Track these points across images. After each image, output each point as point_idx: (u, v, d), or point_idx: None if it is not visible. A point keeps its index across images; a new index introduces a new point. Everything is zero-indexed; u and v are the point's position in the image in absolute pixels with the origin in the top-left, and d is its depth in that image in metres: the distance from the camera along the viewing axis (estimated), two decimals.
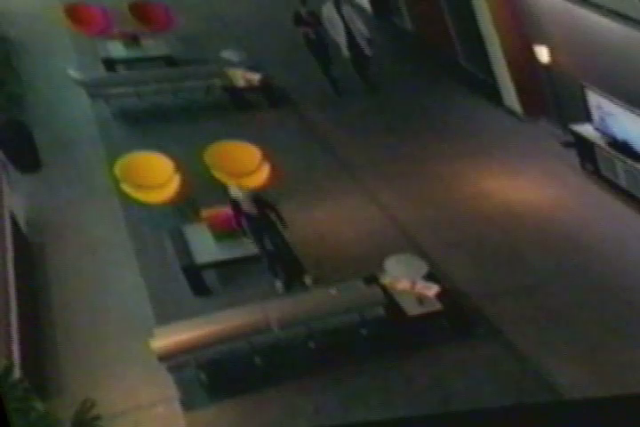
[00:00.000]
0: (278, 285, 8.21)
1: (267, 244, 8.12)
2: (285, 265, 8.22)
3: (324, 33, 11.71)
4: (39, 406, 5.56)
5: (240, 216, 8.06)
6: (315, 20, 11.73)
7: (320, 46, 11.92)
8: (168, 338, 7.02)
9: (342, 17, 11.55)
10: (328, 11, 11.60)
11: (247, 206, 8.01)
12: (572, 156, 10.02)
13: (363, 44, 11.68)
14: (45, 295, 8.24)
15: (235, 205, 8.05)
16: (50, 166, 10.17)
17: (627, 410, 5.50)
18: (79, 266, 8.56)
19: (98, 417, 5.72)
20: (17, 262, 7.96)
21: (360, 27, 11.69)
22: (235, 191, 8.07)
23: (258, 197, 8.14)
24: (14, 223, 8.54)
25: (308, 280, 8.28)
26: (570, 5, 9.14)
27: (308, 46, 11.99)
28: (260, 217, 8.03)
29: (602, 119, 9.24)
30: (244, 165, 9.37)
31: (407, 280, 7.65)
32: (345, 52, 11.66)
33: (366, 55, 11.76)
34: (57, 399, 6.92)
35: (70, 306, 8.07)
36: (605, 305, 7.82)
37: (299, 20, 11.84)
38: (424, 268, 7.76)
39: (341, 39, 11.64)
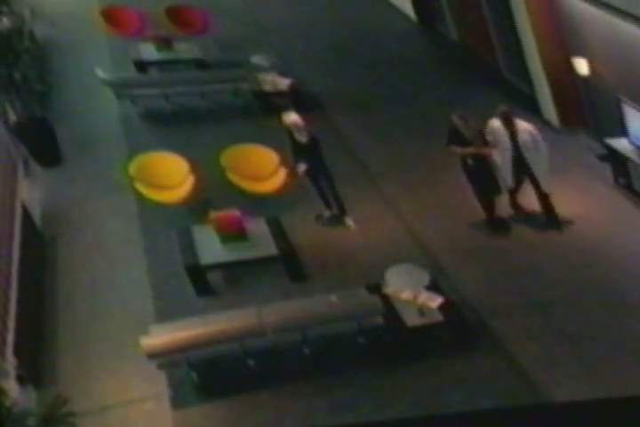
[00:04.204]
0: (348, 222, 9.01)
1: (321, 179, 8.91)
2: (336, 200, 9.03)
3: (487, 158, 8.74)
4: (6, 400, 5.55)
5: (297, 152, 8.69)
6: (479, 141, 8.63)
7: (485, 175, 8.75)
8: (159, 336, 6.99)
9: (513, 136, 8.59)
10: (494, 124, 8.72)
11: (300, 136, 8.60)
12: (607, 169, 9.66)
13: (540, 175, 8.64)
14: (52, 287, 8.34)
15: (290, 135, 8.63)
16: (70, 162, 10.36)
17: (618, 412, 5.27)
18: (88, 260, 8.66)
19: (71, 414, 5.67)
20: (27, 254, 8.10)
21: (542, 151, 8.62)
22: (289, 121, 8.62)
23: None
24: (27, 216, 8.71)
25: (349, 222, 8.96)
26: (610, 18, 8.88)
27: (469, 176, 8.82)
28: (312, 144, 8.67)
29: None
30: (260, 168, 9.33)
31: (410, 290, 7.45)
32: (508, 180, 8.81)
33: (543, 192, 8.75)
34: (50, 389, 6.97)
35: (74, 299, 8.15)
36: (620, 323, 7.47)
37: (454, 139, 8.63)
38: (425, 279, 7.55)
39: (505, 162, 8.71)
